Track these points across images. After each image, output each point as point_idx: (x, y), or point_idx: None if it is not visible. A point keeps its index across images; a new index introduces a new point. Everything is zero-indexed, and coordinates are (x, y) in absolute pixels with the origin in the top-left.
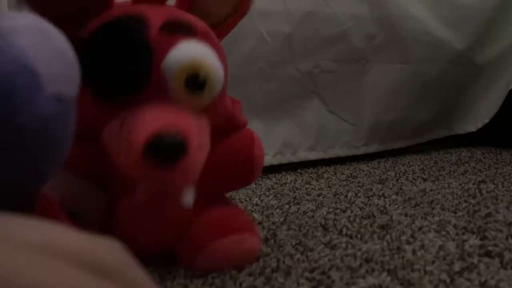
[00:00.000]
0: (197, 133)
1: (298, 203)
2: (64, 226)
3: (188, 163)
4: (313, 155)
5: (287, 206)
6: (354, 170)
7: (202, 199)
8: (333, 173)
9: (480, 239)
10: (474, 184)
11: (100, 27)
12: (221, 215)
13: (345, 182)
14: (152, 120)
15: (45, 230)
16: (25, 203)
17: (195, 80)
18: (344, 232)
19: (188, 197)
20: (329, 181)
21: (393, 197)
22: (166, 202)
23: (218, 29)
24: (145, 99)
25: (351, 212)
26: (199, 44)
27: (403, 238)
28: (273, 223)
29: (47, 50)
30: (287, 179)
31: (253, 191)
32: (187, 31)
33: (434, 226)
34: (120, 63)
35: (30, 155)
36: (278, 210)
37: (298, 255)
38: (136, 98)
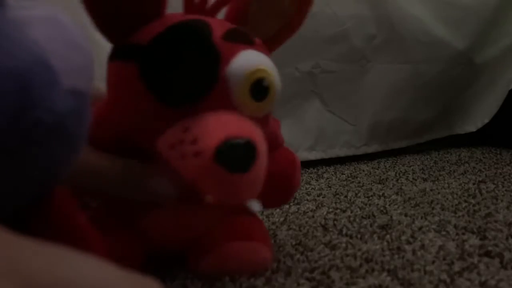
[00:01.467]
0: (262, 141)
1: (298, 203)
2: (116, 266)
3: (257, 171)
4: (313, 155)
5: (287, 206)
6: (354, 170)
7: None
8: (333, 173)
9: (480, 239)
10: (474, 184)
11: (165, 32)
12: (237, 222)
13: (345, 182)
14: (221, 126)
15: (102, 271)
16: (41, 198)
17: (260, 87)
18: (344, 232)
19: (254, 204)
20: (329, 181)
21: (393, 197)
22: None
23: (267, 44)
24: (208, 106)
25: (351, 212)
26: (260, 54)
27: (403, 238)
28: (273, 223)
29: (63, 43)
30: None
31: None
32: (247, 41)
33: (434, 226)
34: (189, 68)
35: (46, 151)
36: (278, 210)
37: (298, 255)
38: (200, 105)
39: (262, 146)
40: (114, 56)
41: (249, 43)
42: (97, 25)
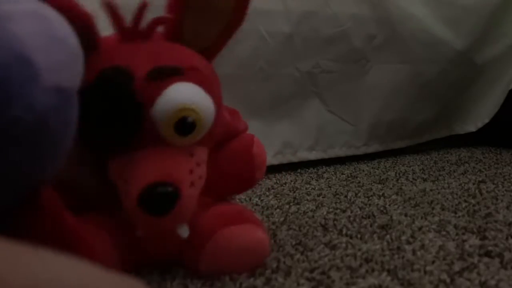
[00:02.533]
0: (189, 175)
1: (298, 203)
2: (97, 267)
3: (180, 208)
4: (313, 155)
5: (287, 206)
6: (354, 170)
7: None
8: (333, 173)
9: (480, 239)
10: (474, 184)
11: (87, 87)
12: (227, 209)
13: (345, 182)
14: (146, 170)
15: (80, 272)
16: (26, 198)
17: (184, 125)
18: (344, 232)
19: (183, 230)
20: (329, 181)
21: (393, 197)
22: (164, 237)
23: (209, 51)
24: (139, 145)
25: (351, 212)
26: (186, 86)
27: (403, 238)
28: (273, 223)
29: (47, 38)
30: (287, 179)
31: (253, 191)
32: (174, 74)
33: (434, 226)
34: (110, 119)
35: (27, 150)
36: (278, 210)
37: (298, 255)
38: (131, 145)
39: (187, 181)
40: None
41: (176, 76)
42: None
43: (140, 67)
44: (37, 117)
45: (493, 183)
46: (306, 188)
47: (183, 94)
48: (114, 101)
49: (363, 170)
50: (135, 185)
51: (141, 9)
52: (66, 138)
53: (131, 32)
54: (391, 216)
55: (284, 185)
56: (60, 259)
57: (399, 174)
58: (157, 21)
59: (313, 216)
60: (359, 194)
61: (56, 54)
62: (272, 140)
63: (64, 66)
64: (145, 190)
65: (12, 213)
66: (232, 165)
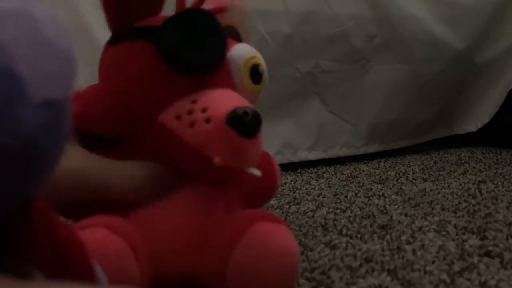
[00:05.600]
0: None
1: (298, 203)
2: None
3: (259, 140)
4: (313, 155)
5: (287, 206)
6: (354, 170)
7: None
8: (333, 173)
9: (480, 239)
10: (474, 184)
11: (179, 15)
12: (257, 212)
13: (345, 182)
14: (228, 98)
15: None
16: (17, 211)
17: (256, 72)
18: (344, 232)
19: (256, 171)
20: (329, 181)
21: (393, 197)
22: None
23: None
24: (213, 83)
25: (351, 212)
26: (248, 45)
27: (403, 238)
28: None
29: (34, 43)
30: (287, 179)
31: None
32: (237, 38)
33: (434, 226)
34: (203, 43)
35: (14, 173)
36: (278, 210)
37: None
38: (207, 80)
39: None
40: (117, 40)
41: (238, 40)
42: (106, 9)
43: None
44: (25, 140)
45: (493, 183)
46: (306, 188)
47: (252, 49)
48: (209, 27)
49: (363, 170)
50: (221, 109)
51: None
52: (57, 152)
53: None
54: (391, 216)
55: (284, 185)
56: None
57: (399, 174)
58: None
59: (313, 216)
60: (359, 194)
61: (45, 62)
62: (272, 140)
63: (55, 75)
64: (234, 111)
65: (1, 227)
66: (256, 188)
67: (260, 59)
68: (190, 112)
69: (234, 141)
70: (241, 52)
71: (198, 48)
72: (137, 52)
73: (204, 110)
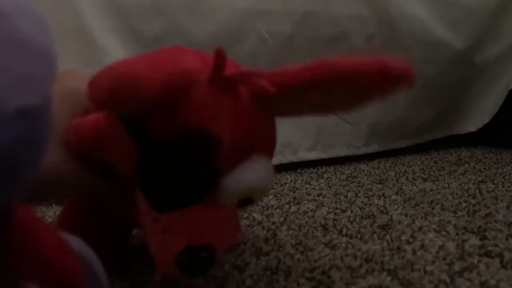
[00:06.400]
0: (228, 238)
1: (298, 203)
2: None
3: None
4: (313, 155)
5: (287, 206)
6: (354, 170)
7: None
8: (333, 173)
9: (480, 239)
10: (474, 184)
11: (175, 136)
12: None
13: (345, 182)
14: (187, 227)
15: None
16: None
17: (248, 202)
18: (344, 232)
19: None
20: (329, 181)
21: (393, 197)
22: None
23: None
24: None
25: (351, 212)
26: (262, 163)
27: (403, 238)
28: (273, 223)
29: (6, 44)
30: (287, 179)
31: None
32: (249, 151)
33: (434, 226)
34: (182, 179)
35: None
36: (278, 210)
37: (298, 255)
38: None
39: (221, 250)
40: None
41: (251, 152)
42: None
43: (226, 131)
44: None
45: (493, 183)
46: (306, 188)
47: (258, 173)
48: (194, 165)
49: (363, 170)
50: (174, 244)
51: (221, 55)
52: (34, 163)
53: (223, 82)
54: (391, 216)
55: (284, 185)
56: None
57: (399, 174)
58: (257, 76)
59: (313, 216)
60: (359, 194)
61: (19, 65)
62: None
63: (30, 78)
64: (184, 252)
65: None
66: None
67: (257, 190)
68: (155, 221)
69: (180, 275)
70: (236, 183)
71: (178, 186)
72: (125, 145)
73: (163, 231)
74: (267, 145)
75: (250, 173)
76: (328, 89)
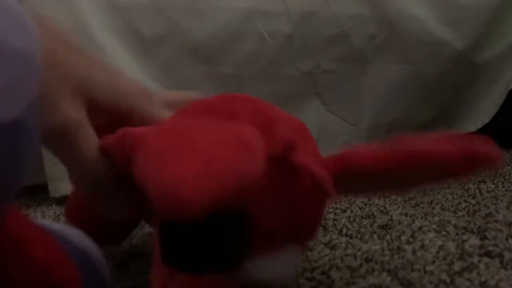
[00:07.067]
0: None
1: None
2: None
3: None
4: None
5: None
6: None
7: None
8: None
9: (480, 239)
10: (474, 184)
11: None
12: None
13: None
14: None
15: None
16: None
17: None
18: (344, 232)
19: None
20: None
21: (393, 197)
22: None
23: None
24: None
25: (351, 212)
26: (286, 257)
27: (403, 238)
28: None
29: None
30: None
31: None
32: (284, 241)
33: (434, 226)
34: (205, 255)
35: None
36: None
37: None
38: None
39: None
40: None
41: (288, 242)
42: None
43: (266, 219)
44: None
45: (493, 183)
46: None
47: (283, 266)
48: (219, 245)
49: None
50: None
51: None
52: (22, 173)
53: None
54: (391, 216)
55: None
56: None
57: None
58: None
59: None
60: None
61: None
62: None
63: (5, 89)
64: None
65: None
66: None
67: (277, 285)
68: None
69: None
70: (258, 274)
71: (210, 261)
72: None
73: (169, 277)
74: (306, 235)
75: (275, 266)
76: (406, 174)
